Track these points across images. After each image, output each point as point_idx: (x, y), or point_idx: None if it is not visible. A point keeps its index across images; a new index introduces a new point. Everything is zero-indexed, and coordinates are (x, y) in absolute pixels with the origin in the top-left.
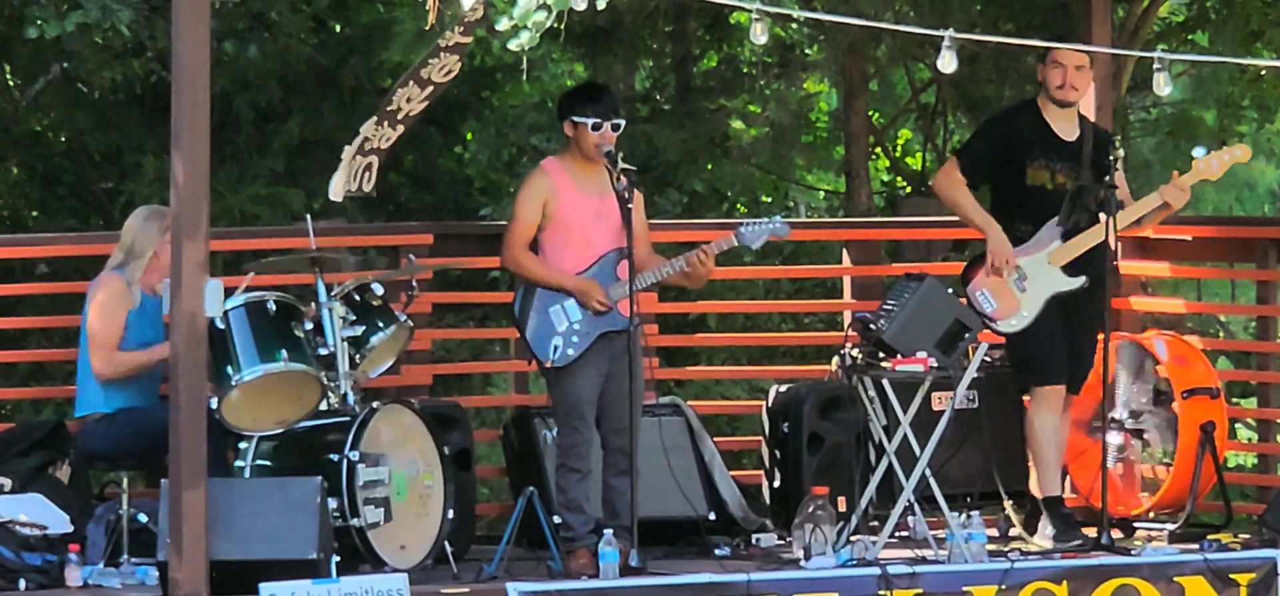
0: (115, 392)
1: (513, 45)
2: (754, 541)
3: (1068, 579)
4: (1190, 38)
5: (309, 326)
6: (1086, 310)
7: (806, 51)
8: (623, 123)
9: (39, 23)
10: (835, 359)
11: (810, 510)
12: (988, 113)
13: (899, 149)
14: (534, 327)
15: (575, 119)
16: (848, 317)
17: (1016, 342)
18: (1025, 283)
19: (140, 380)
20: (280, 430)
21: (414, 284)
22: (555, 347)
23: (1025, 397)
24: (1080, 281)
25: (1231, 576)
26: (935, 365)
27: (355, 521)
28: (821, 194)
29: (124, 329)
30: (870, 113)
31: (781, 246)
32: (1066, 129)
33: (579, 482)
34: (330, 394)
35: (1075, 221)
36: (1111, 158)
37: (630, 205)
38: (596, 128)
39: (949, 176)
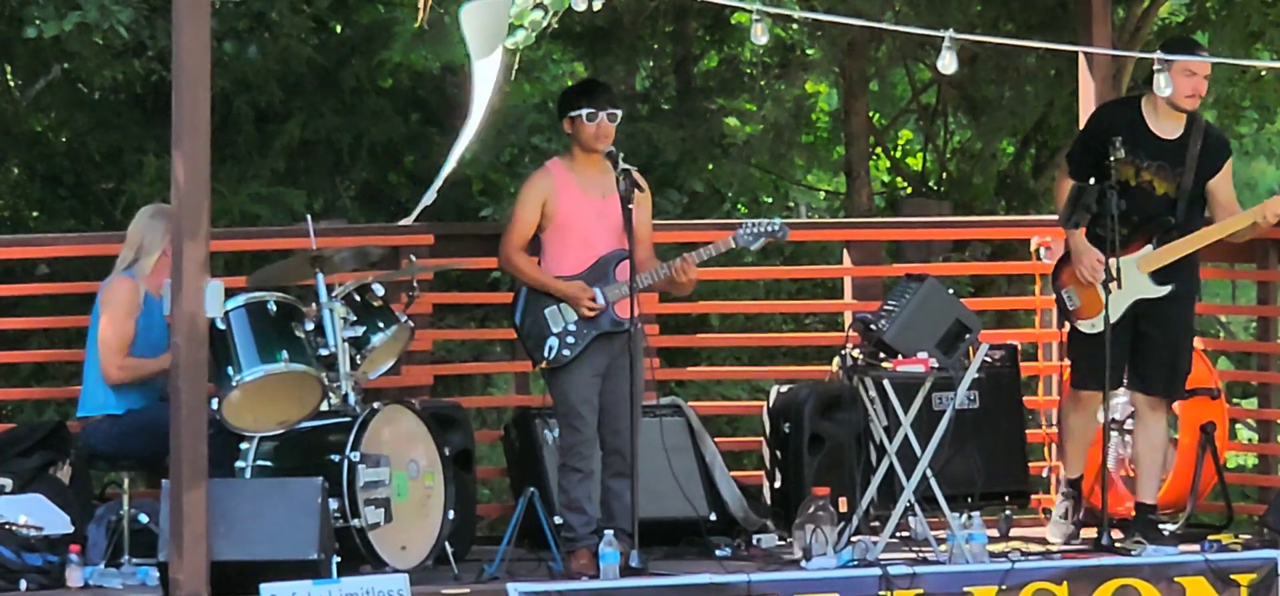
0: (125, 393)
1: (508, 43)
2: (755, 542)
3: (1068, 579)
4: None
5: (310, 327)
6: (1161, 314)
7: (807, 51)
8: (619, 113)
9: (38, 22)
10: (836, 359)
11: (811, 510)
12: (987, 113)
13: (899, 149)
14: (531, 328)
15: (571, 114)
16: (848, 318)
17: (1077, 339)
18: (1112, 286)
19: (146, 381)
20: (281, 430)
21: (414, 284)
22: (551, 348)
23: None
24: (1166, 289)
25: (1232, 577)
26: (936, 365)
27: (356, 522)
28: (821, 194)
29: (135, 333)
30: (870, 113)
31: (782, 246)
32: (1167, 127)
33: (580, 483)
34: (331, 394)
35: (1076, 221)
36: (1112, 157)
37: (630, 205)
38: (592, 119)
39: (1059, 184)
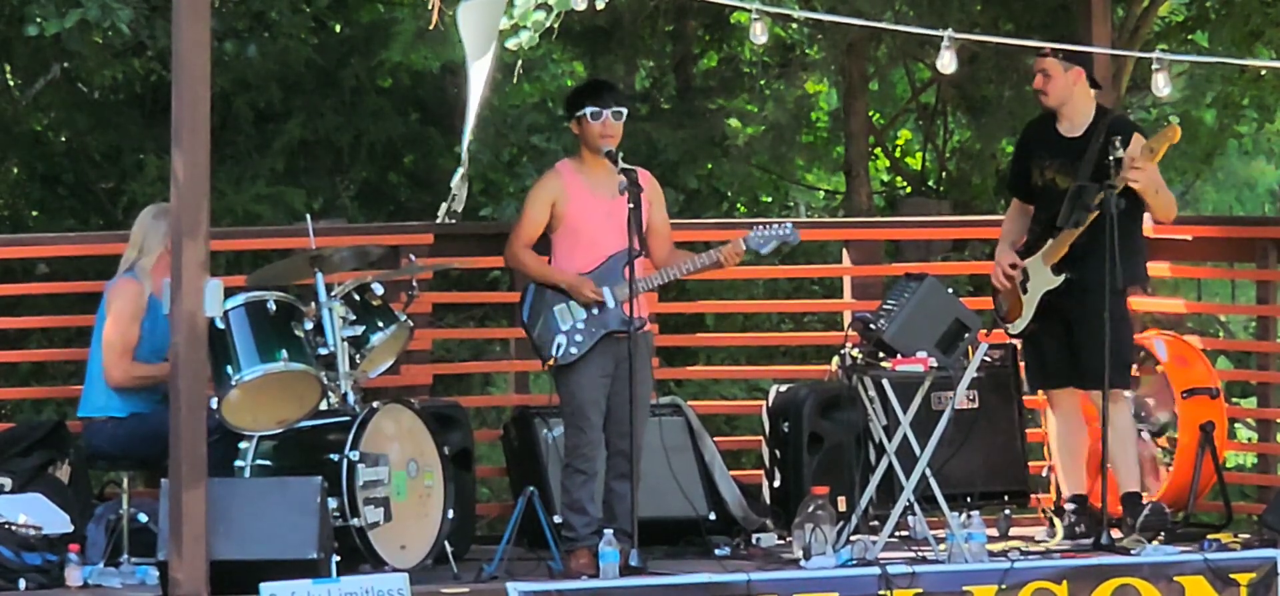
0: (128, 396)
1: (511, 44)
2: (754, 541)
3: (1068, 579)
4: (1190, 38)
5: (309, 326)
6: (1080, 310)
7: (806, 51)
8: (624, 111)
9: (39, 21)
10: (835, 359)
11: (810, 510)
12: (987, 113)
13: (899, 149)
14: (539, 326)
15: (577, 114)
16: (848, 317)
17: (1023, 347)
18: (1027, 285)
19: (148, 385)
20: (280, 430)
21: (414, 284)
22: (558, 345)
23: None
24: (1060, 279)
25: (1231, 576)
26: (935, 365)
27: (355, 521)
28: (821, 194)
29: (140, 336)
30: (870, 113)
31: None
32: (1072, 126)
33: (584, 483)
34: (330, 393)
35: (1076, 219)
36: (1112, 157)
37: (631, 205)
38: (596, 117)
39: (1011, 210)
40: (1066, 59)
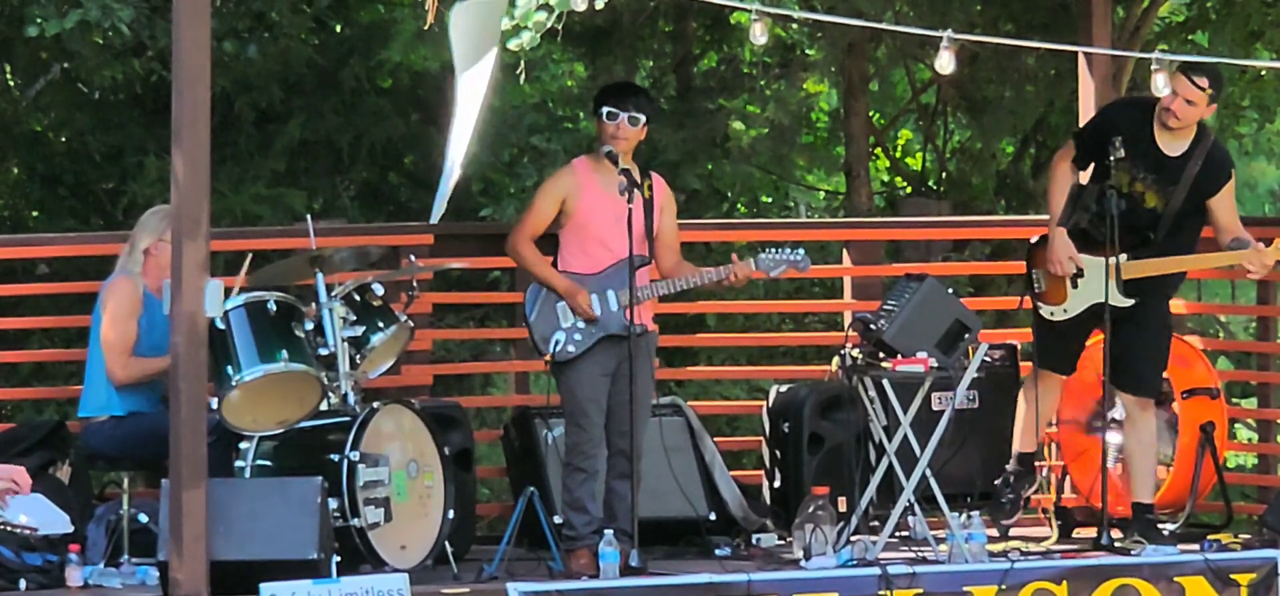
0: (127, 396)
1: (512, 45)
2: (754, 541)
3: (1068, 579)
4: (1190, 38)
5: (309, 326)
6: (1133, 315)
7: (806, 51)
8: (641, 118)
9: (39, 21)
10: (835, 359)
11: (810, 510)
12: (987, 113)
13: (899, 149)
14: (540, 320)
15: (597, 112)
16: (848, 317)
17: (1039, 319)
18: (1079, 281)
19: (148, 384)
20: (280, 430)
21: (414, 284)
22: (556, 342)
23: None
24: (1130, 302)
25: (1232, 576)
26: (935, 365)
27: (355, 521)
28: (821, 194)
29: (138, 333)
30: (870, 113)
31: (781, 245)
32: (1172, 143)
33: (584, 482)
34: (330, 394)
35: (1075, 221)
36: (1113, 158)
37: (630, 206)
38: (611, 117)
39: (1061, 155)
40: (1214, 87)
